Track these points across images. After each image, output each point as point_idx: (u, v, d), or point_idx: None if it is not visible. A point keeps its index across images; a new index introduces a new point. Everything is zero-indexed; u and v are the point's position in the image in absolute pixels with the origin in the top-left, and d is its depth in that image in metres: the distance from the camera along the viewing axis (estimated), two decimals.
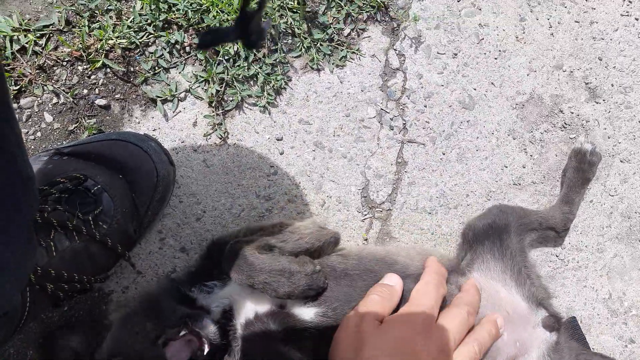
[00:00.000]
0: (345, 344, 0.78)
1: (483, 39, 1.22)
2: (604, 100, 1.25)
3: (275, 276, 0.79)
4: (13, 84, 1.01)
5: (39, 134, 1.03)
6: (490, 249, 1.01)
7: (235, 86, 1.08)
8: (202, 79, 1.07)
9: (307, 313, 0.83)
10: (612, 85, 1.25)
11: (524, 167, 1.20)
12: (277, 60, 1.11)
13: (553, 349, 0.96)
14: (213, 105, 1.08)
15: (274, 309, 0.83)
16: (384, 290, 0.85)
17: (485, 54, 1.22)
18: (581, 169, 1.14)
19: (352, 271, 0.89)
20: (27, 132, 1.02)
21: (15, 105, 1.01)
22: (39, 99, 1.03)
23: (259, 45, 0.49)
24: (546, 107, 1.23)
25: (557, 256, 1.20)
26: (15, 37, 1.01)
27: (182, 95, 1.08)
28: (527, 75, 1.23)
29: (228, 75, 1.08)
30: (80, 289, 0.90)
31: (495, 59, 1.22)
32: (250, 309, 0.82)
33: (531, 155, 1.20)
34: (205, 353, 0.77)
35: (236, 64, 1.09)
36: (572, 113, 1.24)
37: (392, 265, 0.92)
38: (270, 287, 0.79)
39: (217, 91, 1.07)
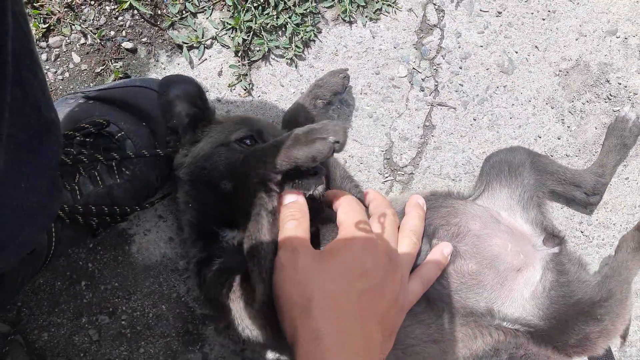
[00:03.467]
0: (286, 285, 0.73)
1: None
2: None
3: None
4: (42, 21, 1.01)
5: (67, 74, 1.03)
6: (497, 176, 1.02)
7: (262, 36, 1.05)
8: (230, 26, 1.04)
9: None
10: None
11: (559, 139, 1.14)
12: (308, 9, 1.06)
13: (555, 260, 0.97)
14: (239, 55, 1.05)
15: None
16: (294, 211, 0.77)
17: (532, 13, 1.13)
18: (622, 136, 1.11)
19: None
20: (56, 71, 1.03)
21: (44, 44, 1.01)
22: (67, 38, 1.03)
23: None
24: (592, 76, 1.15)
25: (582, 232, 1.16)
26: None
27: (209, 42, 1.05)
28: (576, 40, 1.14)
29: (256, 23, 1.04)
30: (109, 222, 0.93)
31: (543, 19, 1.13)
32: None
33: (568, 127, 1.14)
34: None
35: (265, 12, 1.04)
36: (620, 84, 1.15)
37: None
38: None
39: (244, 40, 1.04)
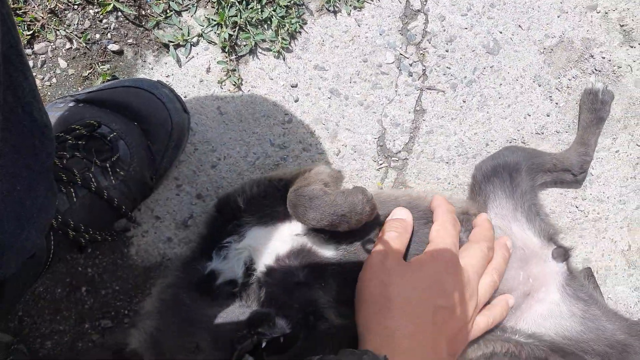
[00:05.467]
0: (371, 282, 0.80)
1: None
2: (639, 44, 1.18)
3: (348, 208, 0.80)
4: (26, 28, 1.00)
5: (54, 80, 1.03)
6: (500, 187, 1.02)
7: (248, 30, 1.05)
8: (215, 22, 1.04)
9: (327, 249, 0.85)
10: None
11: (548, 116, 1.15)
12: (292, 2, 1.06)
13: (569, 279, 0.98)
14: (226, 50, 1.05)
15: (294, 248, 0.83)
16: (398, 225, 0.85)
17: None
18: (594, 109, 1.11)
19: None
20: (43, 78, 1.02)
21: (29, 51, 1.01)
22: (52, 44, 1.02)
23: None
24: (576, 52, 1.16)
25: (577, 207, 1.17)
26: None
27: (195, 40, 1.05)
28: (558, 17, 1.15)
29: (241, 18, 1.04)
30: (100, 239, 0.92)
31: None
32: (270, 254, 0.83)
33: (557, 103, 1.16)
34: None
35: (249, 7, 1.05)
36: (604, 58, 1.17)
37: (409, 203, 0.93)
38: (344, 219, 0.80)
39: (230, 35, 1.04)
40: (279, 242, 0.84)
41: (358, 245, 0.86)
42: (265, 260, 0.83)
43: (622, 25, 1.17)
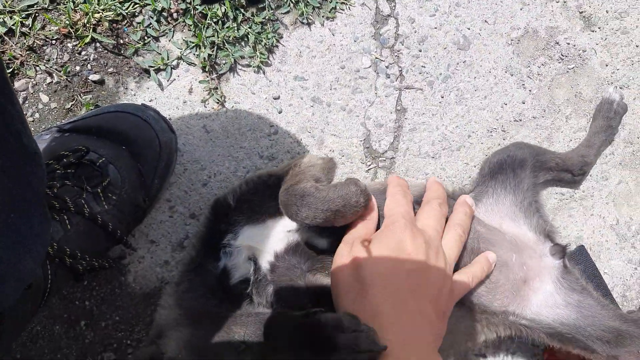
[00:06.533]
0: (343, 272, 0.78)
1: None
2: (599, 28, 1.23)
3: (342, 203, 0.78)
4: (5, 67, 1.00)
5: (37, 115, 1.03)
6: (502, 182, 1.03)
7: (226, 48, 1.07)
8: (193, 44, 1.06)
9: (322, 242, 0.85)
10: (607, 11, 1.23)
11: (524, 103, 1.19)
12: (267, 18, 1.09)
13: (564, 272, 0.99)
14: (207, 70, 1.07)
15: (290, 244, 0.83)
16: (363, 213, 0.85)
17: None
18: (606, 117, 1.16)
19: None
20: (26, 114, 1.02)
21: None
22: (32, 80, 1.03)
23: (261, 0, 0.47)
24: (542, 40, 1.21)
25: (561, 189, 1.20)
26: (1, 20, 1.00)
27: (175, 62, 1.07)
28: (521, 9, 1.21)
29: (218, 38, 1.06)
30: (97, 266, 0.91)
31: None
32: (268, 252, 0.83)
33: (530, 90, 1.20)
34: None
35: (225, 26, 1.07)
36: (569, 44, 1.22)
37: (378, 190, 0.93)
38: (339, 214, 0.79)
39: (209, 55, 1.07)
40: (274, 239, 0.84)
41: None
42: (266, 257, 0.83)
43: (581, 12, 1.23)
